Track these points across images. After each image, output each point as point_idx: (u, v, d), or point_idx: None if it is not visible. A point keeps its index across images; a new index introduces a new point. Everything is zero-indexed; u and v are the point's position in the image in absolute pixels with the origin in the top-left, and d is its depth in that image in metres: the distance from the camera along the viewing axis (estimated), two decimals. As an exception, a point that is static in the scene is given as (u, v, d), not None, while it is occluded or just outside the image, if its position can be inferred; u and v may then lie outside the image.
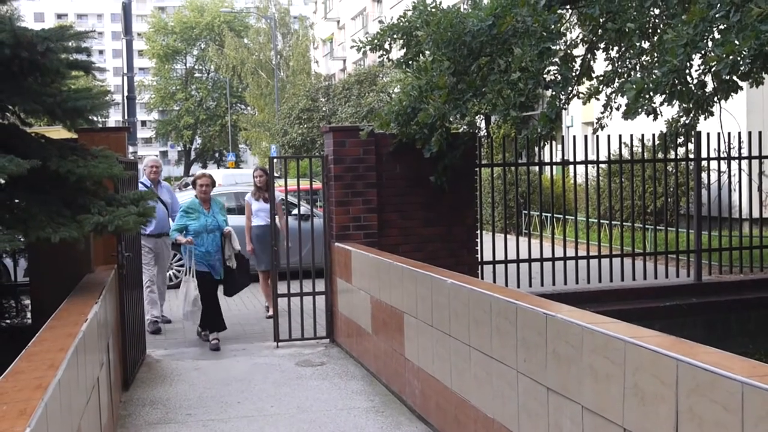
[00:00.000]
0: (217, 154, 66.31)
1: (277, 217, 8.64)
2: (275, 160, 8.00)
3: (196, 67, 68.57)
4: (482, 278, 8.20)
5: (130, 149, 9.74)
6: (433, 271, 5.67)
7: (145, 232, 8.65)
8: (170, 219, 9.10)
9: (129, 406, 6.23)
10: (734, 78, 6.49)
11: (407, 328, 5.97)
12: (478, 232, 8.46)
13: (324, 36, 56.37)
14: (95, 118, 5.80)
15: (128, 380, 6.69)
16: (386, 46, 8.13)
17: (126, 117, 21.42)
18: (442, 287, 5.23)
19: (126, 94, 20.71)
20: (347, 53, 50.44)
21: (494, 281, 8.26)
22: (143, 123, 78.67)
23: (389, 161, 8.09)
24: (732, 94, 6.85)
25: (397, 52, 8.37)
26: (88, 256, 6.13)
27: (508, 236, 9.00)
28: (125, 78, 20.94)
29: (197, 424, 5.83)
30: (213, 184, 8.49)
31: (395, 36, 8.02)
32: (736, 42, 5.19)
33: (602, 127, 8.58)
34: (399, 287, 6.09)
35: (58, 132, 8.67)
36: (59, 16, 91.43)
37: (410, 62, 8.11)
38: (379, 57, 8.43)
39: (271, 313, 8.76)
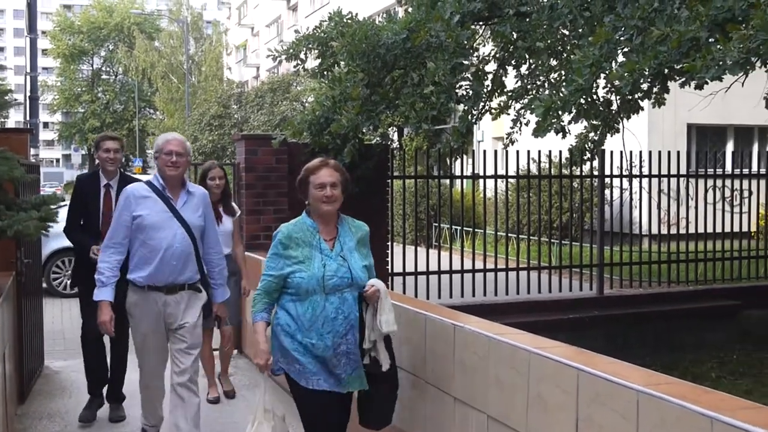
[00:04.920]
0: (123, 159, 64.72)
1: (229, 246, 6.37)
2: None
3: (103, 68, 66.77)
4: (392, 289, 8.25)
5: (32, 152, 8.81)
6: (344, 281, 5.65)
7: (136, 279, 4.77)
8: (200, 255, 4.90)
9: (25, 419, 5.98)
10: (636, 98, 6.79)
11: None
12: (389, 243, 8.52)
13: (237, 42, 55.82)
14: (-4, 118, 5.57)
15: (24, 392, 6.42)
16: (302, 55, 8.12)
17: (28, 118, 20.68)
18: (353, 298, 5.22)
19: (29, 94, 20.03)
20: (261, 60, 50.07)
21: (404, 293, 8.32)
22: (45, 125, 76.01)
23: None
24: (634, 113, 7.15)
25: (312, 62, 8.36)
26: (-16, 261, 5.87)
27: (418, 248, 9.09)
28: (28, 77, 20.25)
29: (98, 436, 5.63)
30: (345, 184, 4.09)
31: (311, 46, 8.03)
32: (638, 61, 5.43)
33: (512, 143, 8.78)
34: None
35: (-48, 132, 8.27)
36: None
37: (325, 73, 8.12)
38: (295, 67, 8.41)
39: (215, 395, 6.47)
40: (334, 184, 3.97)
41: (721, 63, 4.64)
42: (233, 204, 6.62)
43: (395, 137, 9.21)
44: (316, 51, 8.07)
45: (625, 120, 7.21)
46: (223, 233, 5.92)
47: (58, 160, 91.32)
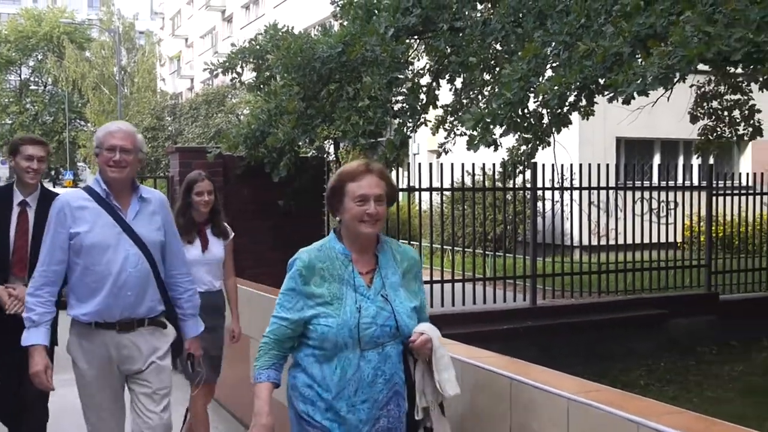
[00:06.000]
0: (53, 172, 63.09)
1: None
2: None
3: (31, 79, 65.13)
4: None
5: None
6: (281, 294, 5.62)
7: (78, 315, 3.61)
8: (161, 281, 3.76)
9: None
10: (565, 111, 6.96)
11: (253, 353, 5.90)
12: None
13: (171, 53, 55.12)
14: None
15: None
16: (238, 68, 8.10)
17: (-48, 130, 20.13)
18: (289, 311, 5.19)
19: (-47, 105, 19.48)
20: (195, 72, 49.54)
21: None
22: (-29, 136, 73.77)
23: (238, 184, 8.01)
24: (564, 127, 7.31)
25: (249, 75, 8.34)
26: None
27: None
28: (-48, 88, 19.70)
29: (26, 457, 5.45)
30: (392, 197, 2.96)
31: (246, 59, 8.01)
32: (564, 75, 5.59)
33: (446, 152, 8.87)
34: (246, 312, 6.02)
35: None
36: None
37: (261, 86, 8.11)
38: (231, 80, 8.37)
39: None
40: (379, 197, 2.85)
41: (642, 78, 4.81)
42: (225, 224, 5.21)
43: (331, 150, 9.24)
44: (252, 64, 8.06)
45: (555, 133, 7.37)
46: (211, 261, 4.87)
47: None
